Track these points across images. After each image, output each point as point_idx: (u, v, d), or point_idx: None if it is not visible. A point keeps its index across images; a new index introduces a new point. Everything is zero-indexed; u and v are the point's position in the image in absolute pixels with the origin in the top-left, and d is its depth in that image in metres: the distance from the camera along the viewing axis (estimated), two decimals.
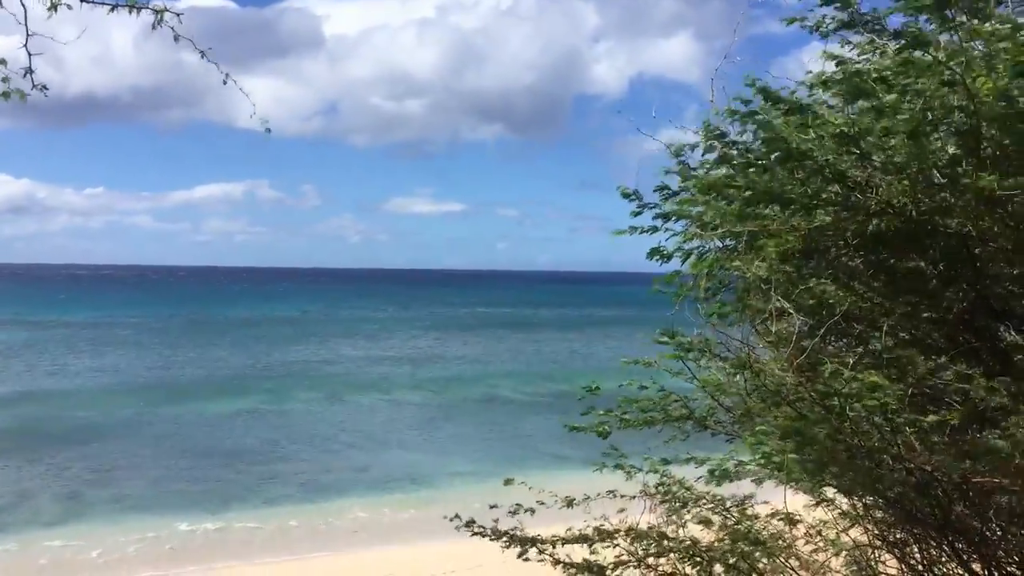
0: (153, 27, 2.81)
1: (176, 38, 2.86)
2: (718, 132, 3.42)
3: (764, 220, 3.31)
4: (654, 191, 3.94)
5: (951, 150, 2.95)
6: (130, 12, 2.84)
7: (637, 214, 4.02)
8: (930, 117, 2.88)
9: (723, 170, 3.55)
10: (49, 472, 20.27)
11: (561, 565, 4.91)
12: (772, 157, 3.23)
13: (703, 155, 3.50)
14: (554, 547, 4.93)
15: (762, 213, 3.33)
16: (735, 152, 3.46)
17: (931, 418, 3.26)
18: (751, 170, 3.34)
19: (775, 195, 3.20)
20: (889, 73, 2.91)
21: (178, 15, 2.88)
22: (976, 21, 3.12)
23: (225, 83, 2.97)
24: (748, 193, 3.28)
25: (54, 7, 2.77)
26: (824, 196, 3.17)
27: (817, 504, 4.83)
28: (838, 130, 3.00)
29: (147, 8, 2.84)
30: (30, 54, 2.84)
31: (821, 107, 3.25)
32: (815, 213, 3.23)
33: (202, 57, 2.87)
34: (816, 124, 3.10)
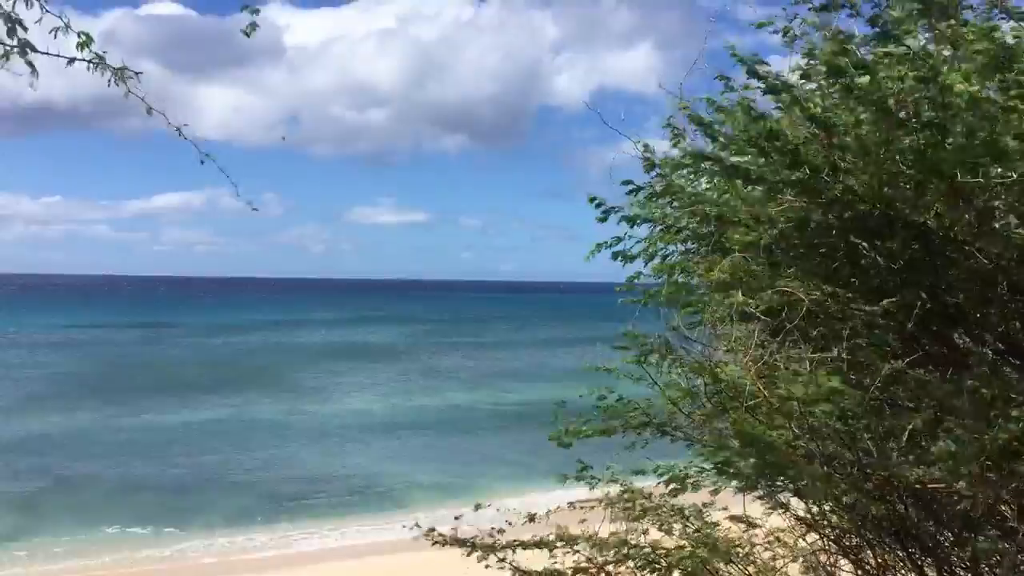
0: (109, 84, 2.85)
1: (126, 94, 2.86)
2: (681, 131, 3.44)
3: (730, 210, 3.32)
4: (621, 183, 3.94)
5: (919, 142, 2.98)
6: (88, 68, 2.84)
7: (603, 220, 4.01)
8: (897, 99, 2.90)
9: (690, 173, 3.57)
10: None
11: (520, 573, 4.87)
12: (749, 137, 3.23)
13: (672, 145, 3.53)
14: (514, 552, 4.89)
15: (728, 203, 3.35)
16: (714, 130, 3.47)
17: (888, 423, 3.30)
18: (724, 152, 3.36)
19: (742, 172, 3.21)
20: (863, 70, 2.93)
21: (137, 73, 2.90)
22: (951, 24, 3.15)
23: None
24: (717, 169, 3.29)
25: (6, 56, 2.75)
26: (791, 178, 3.18)
27: (773, 510, 4.86)
28: (811, 113, 3.02)
29: (107, 66, 2.85)
30: None
31: (799, 90, 3.26)
32: (784, 195, 3.23)
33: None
34: (793, 105, 3.12)
